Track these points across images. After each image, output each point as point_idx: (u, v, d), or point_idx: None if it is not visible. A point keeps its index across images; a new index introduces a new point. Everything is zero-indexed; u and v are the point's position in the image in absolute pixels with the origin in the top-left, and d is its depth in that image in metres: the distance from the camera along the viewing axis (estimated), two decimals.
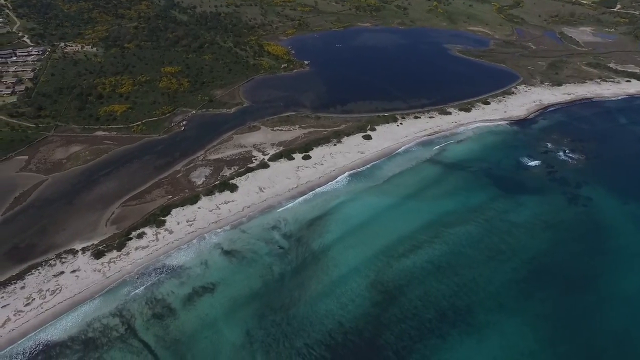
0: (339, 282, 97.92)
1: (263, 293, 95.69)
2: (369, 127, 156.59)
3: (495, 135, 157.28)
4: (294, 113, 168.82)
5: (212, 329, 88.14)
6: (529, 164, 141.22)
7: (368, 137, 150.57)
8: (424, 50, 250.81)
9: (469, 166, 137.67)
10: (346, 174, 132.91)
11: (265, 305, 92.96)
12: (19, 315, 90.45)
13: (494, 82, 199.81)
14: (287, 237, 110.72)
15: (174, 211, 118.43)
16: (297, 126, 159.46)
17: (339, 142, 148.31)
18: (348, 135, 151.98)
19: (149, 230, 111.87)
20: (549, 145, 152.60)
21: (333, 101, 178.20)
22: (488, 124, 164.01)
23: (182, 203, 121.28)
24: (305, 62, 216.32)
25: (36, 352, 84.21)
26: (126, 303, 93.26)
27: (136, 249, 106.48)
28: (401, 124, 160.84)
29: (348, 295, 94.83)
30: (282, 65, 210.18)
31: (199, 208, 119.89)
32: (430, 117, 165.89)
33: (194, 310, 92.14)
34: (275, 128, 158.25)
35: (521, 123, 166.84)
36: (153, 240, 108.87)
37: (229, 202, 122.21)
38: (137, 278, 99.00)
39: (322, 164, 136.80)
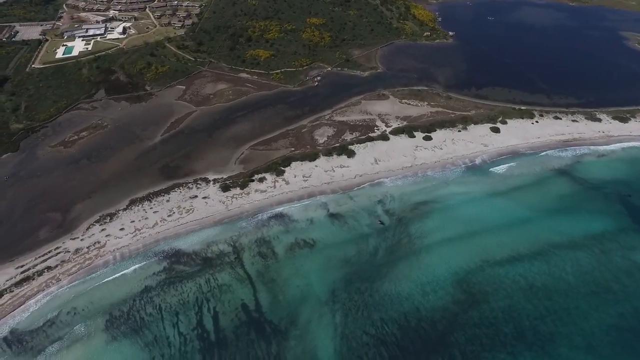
0: (427, 271, 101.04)
1: (355, 261, 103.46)
2: (500, 118, 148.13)
3: None
4: (426, 88, 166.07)
5: (304, 279, 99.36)
6: None
7: (496, 130, 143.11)
8: (592, 37, 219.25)
9: (604, 187, 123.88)
10: (463, 164, 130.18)
11: (354, 272, 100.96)
12: (163, 222, 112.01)
13: None
14: (389, 213, 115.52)
15: (293, 164, 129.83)
16: (425, 103, 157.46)
17: (464, 128, 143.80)
18: (475, 123, 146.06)
19: (269, 177, 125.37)
20: None
21: (469, 82, 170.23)
22: None
23: (302, 158, 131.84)
24: (450, 33, 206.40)
25: (170, 255, 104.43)
26: (239, 236, 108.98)
27: (255, 191, 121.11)
28: (537, 122, 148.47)
29: (432, 286, 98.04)
30: (425, 33, 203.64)
31: (315, 166, 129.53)
32: (572, 121, 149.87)
33: (292, 258, 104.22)
34: (403, 100, 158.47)
35: None
36: (271, 187, 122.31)
37: (344, 166, 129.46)
38: (252, 217, 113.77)
39: (441, 149, 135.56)
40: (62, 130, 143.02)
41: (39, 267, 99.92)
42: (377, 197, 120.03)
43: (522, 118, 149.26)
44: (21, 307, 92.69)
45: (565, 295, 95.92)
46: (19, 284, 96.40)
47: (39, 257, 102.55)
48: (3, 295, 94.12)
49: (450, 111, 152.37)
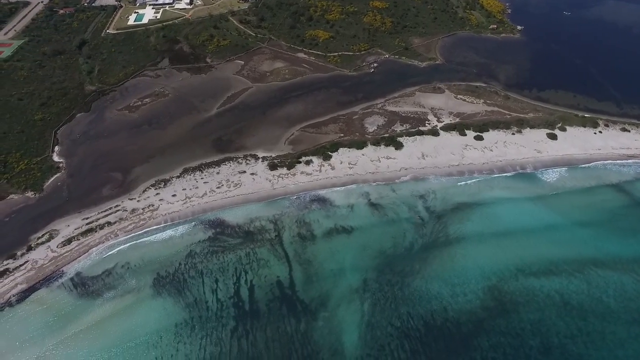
0: (460, 273, 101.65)
1: (390, 253, 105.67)
2: (559, 124, 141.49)
3: None
4: (484, 85, 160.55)
5: (338, 265, 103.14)
6: None
7: (553, 136, 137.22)
8: None
9: None
10: (512, 169, 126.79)
11: (387, 264, 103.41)
12: (212, 193, 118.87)
13: None
14: (429, 210, 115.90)
15: (341, 150, 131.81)
16: (481, 100, 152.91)
17: (519, 132, 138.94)
18: (532, 127, 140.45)
19: (316, 160, 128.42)
20: None
21: (531, 82, 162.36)
22: None
23: (349, 144, 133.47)
24: (518, 27, 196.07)
25: (215, 224, 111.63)
26: (282, 215, 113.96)
27: (301, 173, 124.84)
28: (600, 132, 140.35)
29: (463, 288, 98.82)
30: (491, 26, 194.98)
31: (362, 154, 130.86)
32: None
33: (330, 243, 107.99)
34: (458, 96, 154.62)
35: None
36: (316, 171, 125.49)
37: (390, 158, 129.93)
38: (295, 198, 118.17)
39: (491, 150, 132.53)
40: (128, 95, 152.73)
41: (100, 221, 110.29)
42: (419, 193, 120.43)
43: (584, 126, 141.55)
44: (85, 254, 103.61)
45: (602, 318, 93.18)
46: (84, 233, 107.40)
47: (101, 212, 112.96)
48: (72, 242, 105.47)
49: (507, 112, 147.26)
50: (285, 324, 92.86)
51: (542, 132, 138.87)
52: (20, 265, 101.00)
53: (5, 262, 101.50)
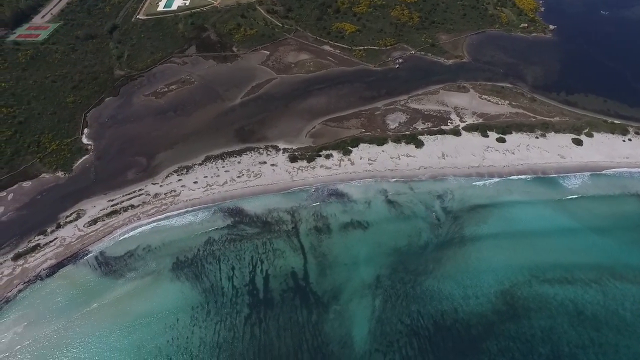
0: (473, 275, 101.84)
1: (404, 251, 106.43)
2: (585, 130, 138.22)
3: None
4: (510, 86, 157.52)
5: (352, 259, 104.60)
6: None
7: (578, 142, 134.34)
8: None
9: None
10: (532, 173, 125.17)
11: (401, 262, 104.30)
12: (232, 182, 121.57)
13: None
14: (446, 211, 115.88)
15: (361, 145, 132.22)
16: (506, 102, 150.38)
17: (543, 135, 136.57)
18: (557, 131, 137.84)
19: (335, 155, 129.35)
20: None
21: (559, 85, 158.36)
22: None
23: (370, 140, 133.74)
24: (551, 26, 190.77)
25: (234, 213, 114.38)
26: (299, 208, 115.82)
27: (321, 166, 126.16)
28: (630, 139, 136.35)
29: (475, 291, 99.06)
30: (521, 24, 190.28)
31: (382, 151, 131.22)
32: None
33: (345, 237, 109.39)
34: (483, 96, 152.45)
35: None
36: (336, 165, 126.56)
37: (410, 156, 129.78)
38: (313, 191, 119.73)
39: (513, 153, 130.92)
40: (155, 81, 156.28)
41: (124, 204, 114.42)
42: (437, 192, 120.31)
43: (613, 133, 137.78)
44: (109, 235, 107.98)
45: (616, 331, 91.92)
46: (109, 215, 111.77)
47: (126, 195, 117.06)
48: (97, 223, 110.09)
49: (532, 114, 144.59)
50: (298, 314, 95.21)
51: (568, 137, 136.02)
52: (50, 242, 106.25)
53: (37, 238, 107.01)
